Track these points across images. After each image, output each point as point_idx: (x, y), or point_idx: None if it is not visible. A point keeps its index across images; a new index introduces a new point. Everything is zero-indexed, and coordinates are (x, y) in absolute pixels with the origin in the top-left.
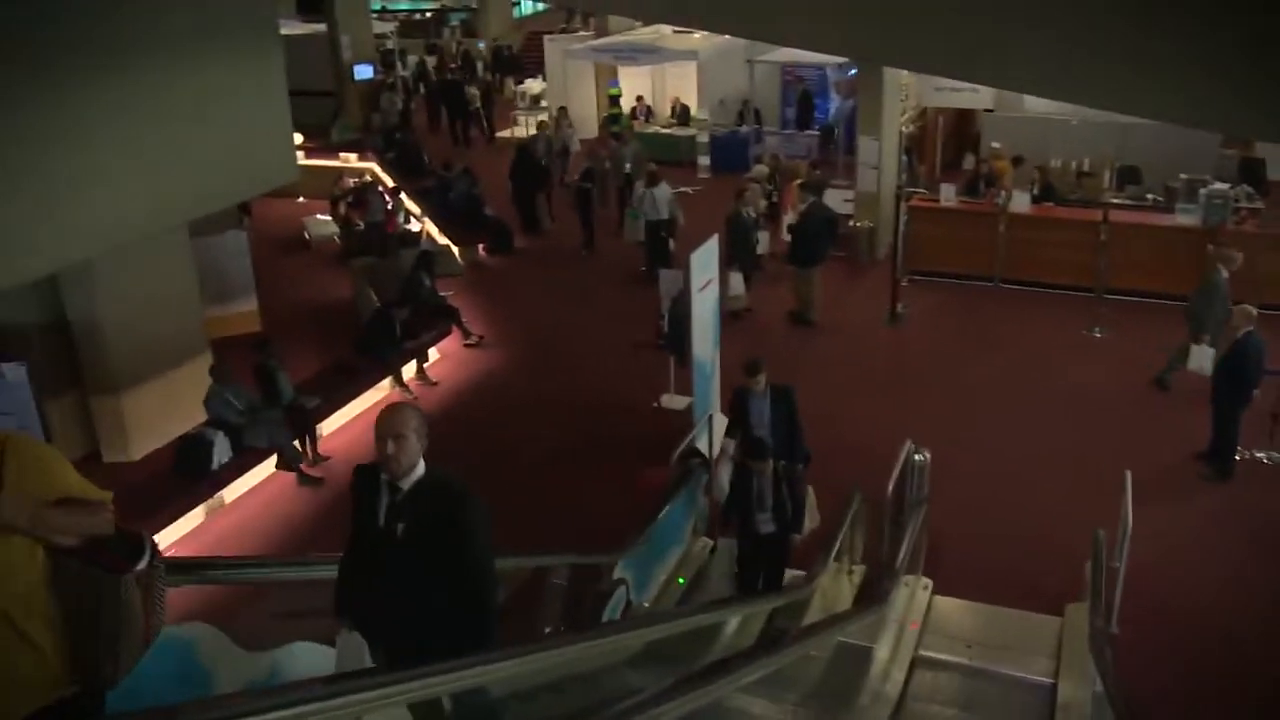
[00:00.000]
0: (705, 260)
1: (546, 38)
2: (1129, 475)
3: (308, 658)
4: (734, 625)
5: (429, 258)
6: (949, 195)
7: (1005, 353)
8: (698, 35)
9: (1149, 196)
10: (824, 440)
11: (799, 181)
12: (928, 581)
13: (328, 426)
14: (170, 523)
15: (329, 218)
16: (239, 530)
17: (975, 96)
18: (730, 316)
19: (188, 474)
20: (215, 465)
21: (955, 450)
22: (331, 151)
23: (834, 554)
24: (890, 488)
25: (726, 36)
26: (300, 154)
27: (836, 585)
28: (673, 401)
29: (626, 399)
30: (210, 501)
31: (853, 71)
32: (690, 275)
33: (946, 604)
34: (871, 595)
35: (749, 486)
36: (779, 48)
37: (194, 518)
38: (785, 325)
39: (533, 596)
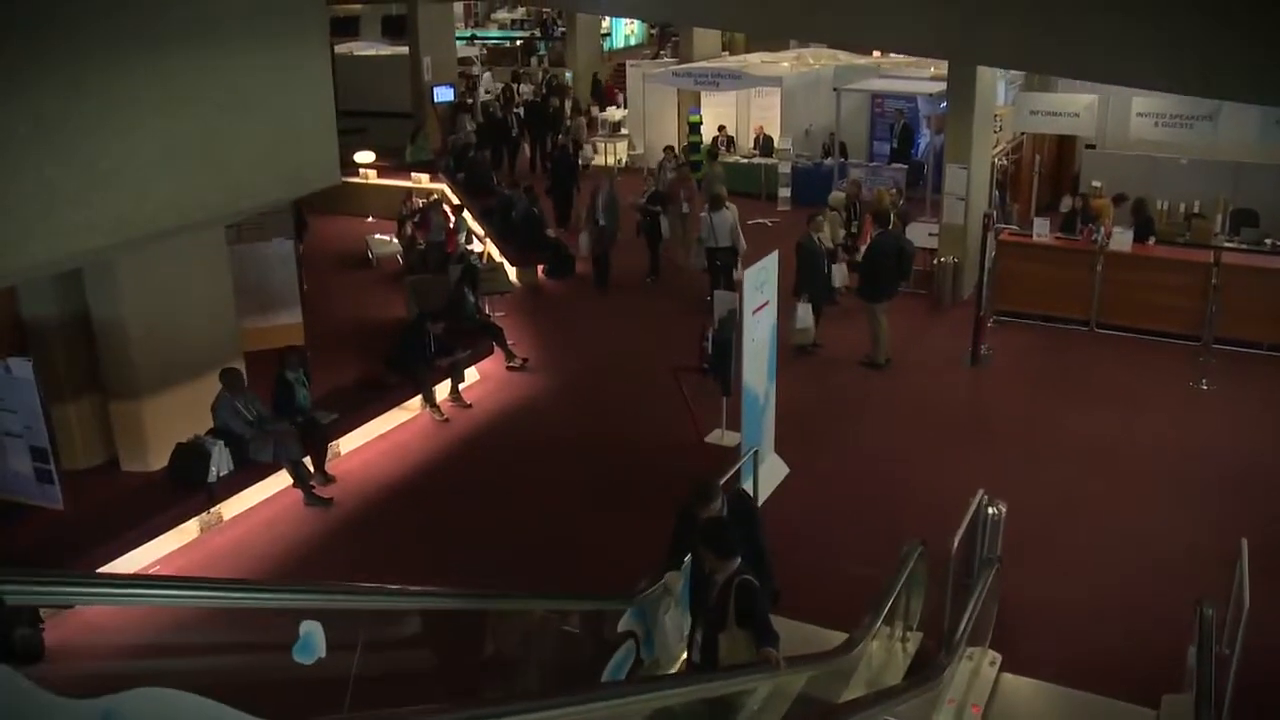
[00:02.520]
0: (761, 279)
1: (629, 63)
2: (1244, 544)
3: (151, 707)
4: (762, 694)
5: (473, 271)
6: (1042, 230)
7: (1098, 401)
8: (785, 62)
9: (1267, 241)
10: (886, 487)
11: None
12: (995, 656)
13: (346, 445)
14: (156, 535)
15: (389, 237)
16: (234, 550)
17: (1075, 122)
18: (796, 351)
19: (181, 483)
20: (213, 477)
21: (1036, 505)
22: (404, 172)
23: (884, 616)
24: (956, 543)
25: (815, 65)
26: (372, 173)
27: (886, 654)
28: (723, 438)
29: (673, 433)
30: (206, 516)
31: (944, 105)
32: (743, 295)
33: (1016, 684)
34: (927, 668)
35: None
36: (868, 77)
37: (186, 532)
38: (855, 363)
39: (521, 648)
